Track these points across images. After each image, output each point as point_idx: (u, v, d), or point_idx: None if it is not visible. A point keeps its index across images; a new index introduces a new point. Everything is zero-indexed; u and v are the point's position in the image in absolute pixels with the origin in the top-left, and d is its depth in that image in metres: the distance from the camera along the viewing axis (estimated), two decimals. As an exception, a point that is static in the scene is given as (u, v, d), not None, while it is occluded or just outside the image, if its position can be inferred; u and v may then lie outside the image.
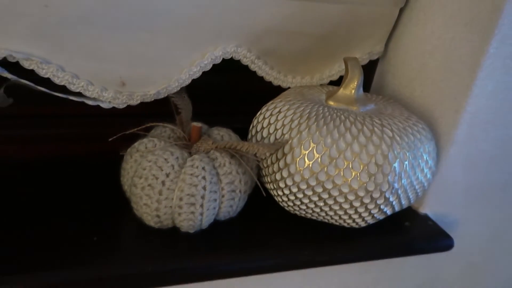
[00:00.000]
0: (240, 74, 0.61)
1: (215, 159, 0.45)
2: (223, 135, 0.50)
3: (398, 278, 0.63)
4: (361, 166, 0.43)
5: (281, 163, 0.46)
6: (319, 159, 0.44)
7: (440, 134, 0.52)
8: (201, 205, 0.43)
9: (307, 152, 0.44)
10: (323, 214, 0.48)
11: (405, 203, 0.48)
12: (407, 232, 0.54)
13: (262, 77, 0.57)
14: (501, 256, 0.67)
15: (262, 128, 0.49)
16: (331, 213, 0.47)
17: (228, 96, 0.62)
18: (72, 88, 0.44)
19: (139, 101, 0.49)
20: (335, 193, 0.44)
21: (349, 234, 0.50)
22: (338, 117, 0.46)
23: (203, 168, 0.43)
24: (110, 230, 0.46)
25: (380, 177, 0.43)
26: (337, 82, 0.58)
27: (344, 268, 0.55)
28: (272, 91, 0.56)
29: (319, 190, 0.44)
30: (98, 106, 0.47)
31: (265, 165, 0.49)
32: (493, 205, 0.59)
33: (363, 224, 0.49)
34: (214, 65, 0.52)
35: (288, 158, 0.45)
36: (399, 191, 0.45)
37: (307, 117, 0.46)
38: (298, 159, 0.44)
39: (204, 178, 0.43)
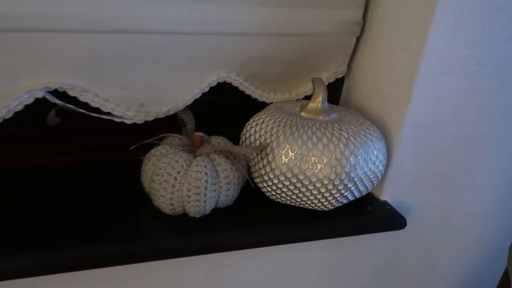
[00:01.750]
0: (232, 93, 0.75)
1: (214, 160, 0.59)
2: (219, 141, 0.64)
3: (366, 255, 0.76)
4: (325, 161, 0.57)
5: (265, 161, 0.60)
6: (293, 156, 0.58)
7: (391, 135, 0.67)
8: (205, 195, 0.57)
9: (283, 151, 0.58)
10: (298, 200, 0.61)
11: (363, 190, 0.62)
12: (369, 214, 0.67)
13: (249, 96, 0.71)
14: (452, 235, 0.80)
15: (250, 135, 0.63)
16: (305, 198, 0.61)
17: (223, 111, 0.77)
18: (104, 109, 0.58)
19: (153, 117, 0.63)
20: (306, 182, 0.58)
21: (321, 216, 0.64)
22: (307, 125, 0.60)
23: (205, 167, 0.57)
24: (135, 217, 0.59)
25: (339, 168, 0.57)
26: (310, 97, 0.73)
27: (320, 245, 0.69)
28: (258, 106, 0.71)
29: (294, 180, 0.58)
30: (123, 122, 0.61)
31: (253, 163, 0.63)
32: (439, 191, 0.73)
33: (330, 207, 0.62)
34: (211, 87, 0.67)
35: (270, 157, 0.59)
36: (355, 179, 0.59)
37: (283, 125, 0.60)
38: (277, 157, 0.58)
39: (206, 174, 0.57)
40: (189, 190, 0.56)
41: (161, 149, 0.60)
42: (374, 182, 0.63)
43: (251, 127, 0.64)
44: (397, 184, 0.70)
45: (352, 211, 0.66)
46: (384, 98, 0.68)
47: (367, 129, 0.62)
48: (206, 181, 0.56)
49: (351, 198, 0.62)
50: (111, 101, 0.58)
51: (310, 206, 0.63)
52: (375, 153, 0.61)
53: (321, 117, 0.63)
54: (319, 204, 0.62)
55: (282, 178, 0.59)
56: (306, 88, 0.74)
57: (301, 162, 0.57)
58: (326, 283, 0.76)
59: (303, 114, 0.64)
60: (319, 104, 0.64)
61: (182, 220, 0.59)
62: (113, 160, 0.69)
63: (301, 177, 0.58)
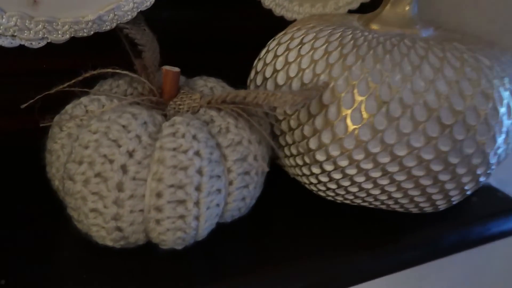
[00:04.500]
0: (225, 9, 0.42)
1: (210, 122, 0.27)
2: (213, 87, 0.31)
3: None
4: (454, 116, 0.26)
5: (319, 122, 0.28)
6: (386, 108, 0.26)
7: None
8: (196, 203, 0.24)
9: (364, 98, 0.27)
10: (382, 197, 0.31)
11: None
12: (478, 211, 0.38)
13: (253, 13, 0.39)
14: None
15: (275, 71, 0.31)
16: (398, 195, 0.30)
17: (211, 41, 0.43)
18: None
19: (68, 37, 0.28)
20: (410, 162, 0.27)
21: (418, 221, 0.34)
22: (401, 43, 0.29)
23: (194, 137, 0.24)
24: (32, 262, 0.26)
25: (484, 130, 0.27)
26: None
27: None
28: (269, 31, 0.38)
29: (385, 159, 0.27)
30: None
31: (285, 129, 0.31)
32: None
33: (431, 209, 0.32)
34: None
35: (331, 111, 0.27)
36: (503, 152, 0.29)
37: (352, 45, 0.29)
38: (349, 112, 0.27)
39: (198, 154, 0.24)
40: (159, 196, 0.24)
41: (87, 103, 0.27)
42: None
43: (276, 56, 0.32)
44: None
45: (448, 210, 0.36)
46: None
47: (505, 57, 0.31)
48: (200, 171, 0.24)
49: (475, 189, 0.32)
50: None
51: (399, 207, 0.32)
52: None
53: (414, 31, 0.32)
54: (425, 204, 0.31)
55: (358, 156, 0.28)
56: (352, -4, 0.42)
57: (403, 120, 0.26)
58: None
59: (375, 27, 0.33)
60: (407, 7, 0.32)
61: (144, 259, 0.27)
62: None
63: (402, 152, 0.27)
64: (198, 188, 0.24)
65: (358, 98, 0.27)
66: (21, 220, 0.29)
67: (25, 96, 0.28)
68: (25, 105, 0.28)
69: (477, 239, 0.37)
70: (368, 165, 0.28)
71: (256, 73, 0.33)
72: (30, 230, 0.28)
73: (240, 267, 0.29)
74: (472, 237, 0.37)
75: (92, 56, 0.31)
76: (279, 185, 0.35)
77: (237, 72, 0.35)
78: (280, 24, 0.38)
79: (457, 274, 0.45)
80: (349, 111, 0.27)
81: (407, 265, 0.34)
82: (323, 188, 0.31)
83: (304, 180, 0.32)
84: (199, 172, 0.24)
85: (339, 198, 0.32)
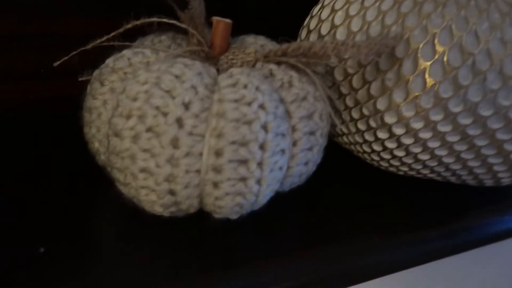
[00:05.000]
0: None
1: (269, 76, 0.24)
2: (264, 45, 0.28)
3: None
4: (551, 68, 0.23)
5: (389, 79, 0.25)
6: (471, 60, 0.23)
7: None
8: (260, 164, 0.21)
9: (447, 49, 0.23)
10: (455, 166, 0.27)
11: None
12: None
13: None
14: None
15: (333, 27, 0.28)
16: (475, 163, 0.27)
17: (246, 4, 0.40)
18: None
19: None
20: (495, 124, 0.24)
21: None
22: (484, -11, 0.25)
23: (257, 89, 0.21)
24: (70, 231, 0.23)
25: None
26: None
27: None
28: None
29: (467, 120, 0.24)
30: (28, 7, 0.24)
31: (345, 91, 0.27)
32: None
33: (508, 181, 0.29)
34: None
35: (406, 66, 0.24)
36: None
37: (428, -9, 0.25)
38: (428, 65, 0.24)
39: (262, 107, 0.21)
40: (218, 154, 0.21)
41: (130, 56, 0.24)
42: None
43: (333, 10, 0.28)
44: None
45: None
46: None
47: None
48: (264, 127, 0.21)
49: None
50: None
51: (472, 179, 0.29)
52: None
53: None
54: (504, 174, 0.28)
55: (437, 117, 0.24)
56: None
57: (491, 75, 0.23)
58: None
59: (444, -20, 0.29)
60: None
61: (195, 230, 0.24)
62: (15, 101, 0.32)
63: (487, 112, 0.24)
64: (262, 147, 0.21)
65: (440, 48, 0.23)
66: (58, 189, 0.26)
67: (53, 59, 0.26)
68: (59, 62, 0.26)
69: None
70: (446, 128, 0.25)
71: (309, 31, 0.30)
72: (68, 197, 0.25)
73: (295, 243, 0.26)
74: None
75: (128, 14, 0.28)
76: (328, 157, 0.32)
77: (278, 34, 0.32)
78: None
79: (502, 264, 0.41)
80: (428, 64, 0.24)
81: (476, 244, 0.30)
82: (387, 156, 0.28)
83: (363, 148, 0.29)
84: (264, 127, 0.21)
85: (403, 169, 0.29)
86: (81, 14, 0.34)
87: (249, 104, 0.21)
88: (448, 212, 0.29)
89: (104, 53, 0.25)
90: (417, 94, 0.24)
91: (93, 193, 0.26)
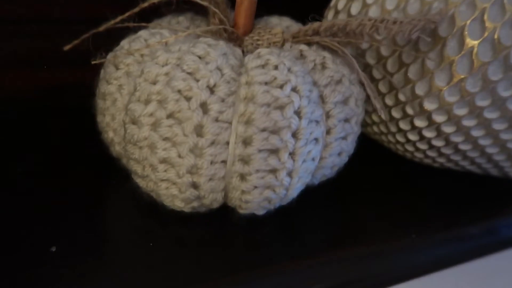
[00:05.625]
0: None
1: (299, 58, 0.21)
2: (289, 26, 0.25)
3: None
4: None
5: (431, 61, 0.22)
6: (526, 38, 0.21)
7: None
8: (292, 154, 0.19)
9: (499, 25, 0.21)
10: (499, 157, 0.25)
11: None
12: None
13: None
14: None
15: (365, 6, 0.26)
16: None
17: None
18: None
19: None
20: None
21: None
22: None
23: (290, 70, 0.19)
24: (82, 229, 0.21)
25: None
26: None
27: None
28: None
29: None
30: None
31: (378, 75, 0.25)
32: None
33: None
34: None
35: (451, 45, 0.22)
36: None
37: (473, -36, 0.23)
38: (477, 44, 0.21)
39: (296, 91, 0.19)
40: (246, 143, 0.19)
41: (147, 37, 0.22)
42: None
43: (365, -11, 0.26)
44: None
45: None
46: None
47: None
48: (298, 112, 0.19)
49: None
50: None
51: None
52: None
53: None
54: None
55: (482, 103, 0.22)
56: None
57: (548, 54, 0.21)
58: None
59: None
60: None
61: (220, 225, 0.22)
62: (25, 89, 0.30)
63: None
64: (295, 135, 0.19)
65: (490, 25, 0.21)
66: (70, 182, 0.24)
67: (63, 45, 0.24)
68: (69, 46, 0.24)
69: None
70: (493, 114, 0.22)
71: (337, 12, 0.28)
72: (80, 192, 0.23)
73: (323, 242, 0.24)
74: None
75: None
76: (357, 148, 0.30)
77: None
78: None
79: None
80: (476, 42, 0.21)
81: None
82: (424, 147, 0.26)
83: (396, 138, 0.27)
84: (298, 113, 0.19)
85: (440, 160, 0.27)
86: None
87: (281, 86, 0.18)
88: (488, 207, 0.27)
89: (119, 35, 0.24)
90: (462, 76, 0.22)
91: (107, 187, 0.24)
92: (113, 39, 0.24)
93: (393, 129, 0.26)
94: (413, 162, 0.29)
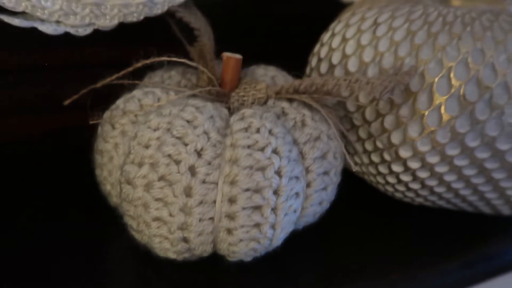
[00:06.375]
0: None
1: (281, 115, 0.23)
2: (274, 76, 0.27)
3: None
4: None
5: (404, 113, 0.24)
6: (489, 94, 0.22)
7: None
8: (274, 209, 0.21)
9: (463, 82, 0.23)
10: (472, 198, 0.27)
11: None
12: None
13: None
14: None
15: (345, 56, 0.27)
16: (492, 195, 0.26)
17: (260, 26, 0.40)
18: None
19: (116, 22, 0.25)
20: (514, 158, 0.23)
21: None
22: (500, 17, 0.25)
23: (271, 132, 0.21)
24: (82, 274, 0.23)
25: None
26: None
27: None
28: (324, 16, 0.34)
29: (485, 155, 0.23)
30: (39, 38, 0.24)
31: (358, 123, 0.27)
32: None
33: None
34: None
35: (422, 100, 0.24)
36: None
37: (441, 22, 0.25)
38: (444, 100, 0.23)
39: (276, 152, 0.21)
40: (232, 201, 0.20)
41: (140, 97, 0.23)
42: None
43: (344, 40, 0.28)
44: None
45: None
46: None
47: None
48: (278, 172, 0.21)
49: None
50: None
51: (489, 209, 0.28)
52: None
53: (503, 6, 0.28)
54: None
55: (452, 152, 0.24)
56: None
57: (510, 108, 0.22)
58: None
59: (456, 2, 0.29)
60: (495, -21, 0.28)
61: (209, 273, 0.24)
62: (28, 134, 0.32)
63: (505, 146, 0.23)
64: (276, 192, 0.21)
65: (456, 83, 0.23)
66: (68, 230, 0.26)
67: (66, 92, 0.25)
68: (69, 101, 0.26)
69: None
70: (463, 162, 0.24)
71: (319, 60, 0.30)
72: (79, 240, 0.25)
73: (310, 280, 0.25)
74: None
75: (137, 47, 0.27)
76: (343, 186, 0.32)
77: (286, 62, 0.32)
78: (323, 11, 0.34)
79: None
80: (444, 98, 0.23)
81: (496, 274, 0.30)
82: (402, 188, 0.27)
83: (377, 179, 0.29)
84: (278, 173, 0.20)
85: (419, 200, 0.28)
86: (89, 45, 0.34)
87: (263, 149, 0.20)
88: (465, 241, 0.29)
89: (114, 89, 0.25)
90: (432, 129, 0.24)
91: (105, 234, 0.26)
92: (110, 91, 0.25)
93: (373, 171, 0.28)
94: (394, 200, 0.30)
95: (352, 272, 0.26)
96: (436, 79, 0.23)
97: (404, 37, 0.25)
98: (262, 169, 0.20)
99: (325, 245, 0.28)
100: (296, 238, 0.25)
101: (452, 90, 0.23)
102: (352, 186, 0.31)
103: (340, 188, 0.26)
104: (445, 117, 0.23)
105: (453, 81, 0.23)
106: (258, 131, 0.21)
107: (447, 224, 0.30)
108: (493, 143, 0.23)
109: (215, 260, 0.24)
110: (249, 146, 0.20)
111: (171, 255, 0.22)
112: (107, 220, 0.26)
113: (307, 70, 0.31)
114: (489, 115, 0.23)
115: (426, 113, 0.23)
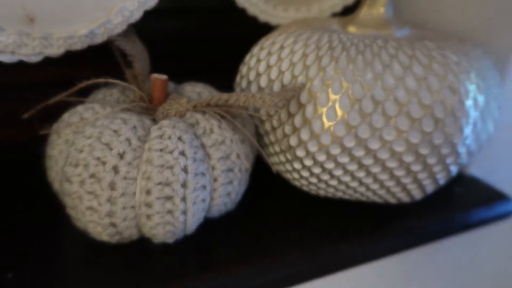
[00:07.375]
0: (212, 18, 0.44)
1: (195, 124, 0.29)
2: (200, 92, 0.33)
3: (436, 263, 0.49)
4: (423, 110, 0.28)
5: (297, 121, 0.30)
6: (358, 105, 0.28)
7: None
8: (183, 198, 0.26)
9: (338, 97, 0.29)
10: (361, 189, 0.33)
11: (466, 161, 0.34)
12: (462, 202, 0.40)
13: (239, 21, 0.41)
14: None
15: (258, 74, 0.33)
16: (375, 186, 0.32)
17: (197, 48, 0.45)
18: None
19: (62, 50, 0.31)
20: (383, 155, 0.29)
21: (397, 212, 0.36)
22: (373, 44, 0.31)
23: (180, 139, 0.27)
24: (36, 258, 0.28)
25: (451, 122, 0.29)
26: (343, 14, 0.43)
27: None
28: (253, 36, 0.39)
29: (360, 153, 0.29)
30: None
31: (268, 129, 0.33)
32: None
33: (407, 199, 0.34)
34: (176, 6, 0.36)
35: (309, 110, 0.29)
36: (472, 143, 0.31)
37: (328, 47, 0.31)
38: (324, 111, 0.29)
39: (183, 154, 0.26)
40: (148, 193, 0.26)
41: (82, 111, 0.29)
42: (483, 144, 0.35)
43: (259, 60, 0.34)
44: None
45: (435, 198, 0.38)
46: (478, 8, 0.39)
47: (474, 52, 0.33)
48: (185, 170, 0.26)
49: (450, 176, 0.34)
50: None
51: (381, 198, 0.34)
52: (494, 92, 0.33)
53: (388, 32, 0.34)
54: (401, 195, 0.33)
55: (335, 151, 0.29)
56: (335, 1, 0.44)
57: (375, 116, 0.28)
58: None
59: (352, 29, 0.35)
60: (382, 9, 0.34)
61: (138, 253, 0.29)
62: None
63: (375, 146, 0.29)
64: (184, 185, 0.26)
65: (333, 96, 0.29)
66: (25, 221, 0.31)
67: (25, 107, 0.31)
68: (27, 115, 0.31)
69: (460, 226, 0.39)
70: (344, 159, 0.30)
71: (242, 77, 0.35)
72: (34, 229, 0.31)
73: (228, 258, 0.31)
74: (456, 225, 0.39)
75: (86, 68, 0.33)
76: (266, 181, 0.37)
77: (226, 77, 0.38)
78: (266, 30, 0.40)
79: (444, 262, 0.46)
80: (324, 109, 0.29)
81: (393, 251, 0.36)
82: (305, 182, 0.33)
83: (288, 175, 0.34)
84: (185, 170, 0.26)
85: (321, 192, 0.34)
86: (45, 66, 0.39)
87: (171, 152, 0.26)
88: (367, 224, 0.35)
89: (64, 107, 0.31)
90: (318, 133, 0.29)
91: (57, 224, 0.31)
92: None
93: (283, 168, 0.34)
94: (305, 193, 0.36)
95: (264, 250, 0.31)
96: (318, 94, 0.29)
97: (299, 59, 0.31)
98: (171, 167, 0.26)
99: (244, 230, 0.33)
100: (218, 227, 0.31)
101: (330, 103, 0.29)
102: (270, 181, 0.37)
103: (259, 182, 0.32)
104: (326, 124, 0.29)
105: (330, 96, 0.29)
106: (169, 138, 0.26)
107: (350, 212, 0.36)
108: (366, 144, 0.29)
109: (143, 243, 0.29)
110: (161, 150, 0.26)
111: (105, 238, 0.27)
112: (57, 215, 0.32)
113: (234, 85, 0.37)
114: (360, 121, 0.28)
115: (312, 121, 0.29)
